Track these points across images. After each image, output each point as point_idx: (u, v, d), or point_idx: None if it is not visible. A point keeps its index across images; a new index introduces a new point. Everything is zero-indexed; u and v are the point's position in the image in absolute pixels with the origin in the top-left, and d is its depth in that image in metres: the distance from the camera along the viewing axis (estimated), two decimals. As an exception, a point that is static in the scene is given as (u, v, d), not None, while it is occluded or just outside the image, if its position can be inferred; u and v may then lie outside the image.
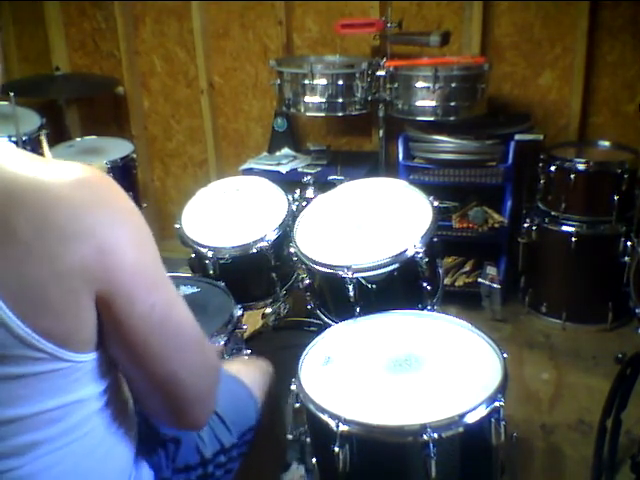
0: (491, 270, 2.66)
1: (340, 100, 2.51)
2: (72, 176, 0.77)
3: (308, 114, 2.62)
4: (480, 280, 2.64)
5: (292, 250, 1.65)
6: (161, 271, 0.86)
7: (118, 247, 0.78)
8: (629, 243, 2.11)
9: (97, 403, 0.86)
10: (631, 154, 2.53)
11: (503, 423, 1.12)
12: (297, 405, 1.21)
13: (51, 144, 2.82)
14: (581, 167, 2.47)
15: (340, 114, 2.57)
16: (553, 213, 2.57)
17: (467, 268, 2.80)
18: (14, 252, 0.72)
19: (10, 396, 0.77)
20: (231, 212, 1.91)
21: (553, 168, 2.52)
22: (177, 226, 1.86)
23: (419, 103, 2.46)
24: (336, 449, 1.10)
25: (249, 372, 1.30)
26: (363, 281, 1.50)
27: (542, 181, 2.60)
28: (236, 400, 1.22)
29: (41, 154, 2.68)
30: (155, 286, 0.84)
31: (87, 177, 0.78)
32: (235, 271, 1.77)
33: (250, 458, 1.21)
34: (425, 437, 1.06)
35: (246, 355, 1.60)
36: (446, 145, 2.59)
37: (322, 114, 2.59)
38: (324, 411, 1.14)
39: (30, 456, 0.80)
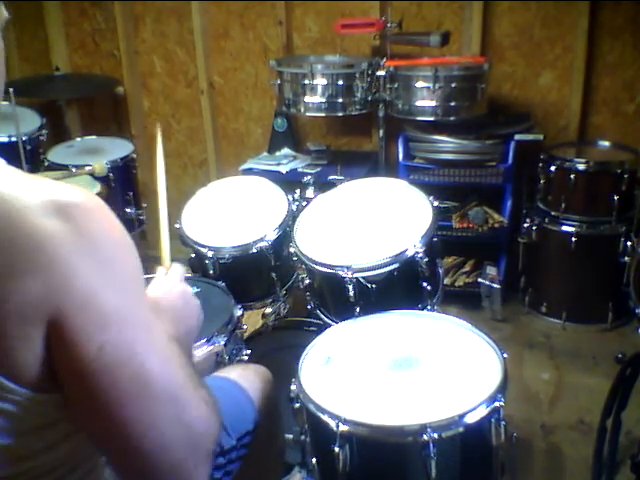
0: (491, 270, 2.66)
1: (340, 100, 2.51)
2: (42, 202, 0.68)
3: (308, 114, 2.62)
4: (480, 280, 2.64)
5: (292, 250, 1.65)
6: (125, 307, 0.72)
7: (69, 282, 0.68)
8: (629, 243, 2.12)
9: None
10: (631, 154, 2.53)
11: (503, 423, 1.12)
12: (297, 405, 1.21)
13: (51, 144, 2.84)
14: (581, 167, 2.47)
15: (340, 114, 2.57)
16: (553, 213, 2.57)
17: (467, 268, 2.80)
18: None
19: None
20: (231, 212, 1.91)
21: (553, 168, 2.52)
22: (177, 226, 1.86)
23: (419, 103, 2.46)
24: (336, 449, 1.10)
25: (248, 377, 1.30)
26: (363, 281, 1.50)
27: (542, 181, 2.60)
28: (235, 403, 1.22)
29: (40, 153, 2.69)
30: (107, 325, 0.70)
31: (59, 202, 0.69)
32: (235, 271, 1.77)
33: (249, 461, 1.21)
34: (425, 437, 1.06)
35: (246, 355, 1.60)
36: (446, 145, 2.59)
37: (322, 114, 2.60)
38: (324, 411, 1.14)
39: None
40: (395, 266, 1.50)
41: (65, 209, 0.69)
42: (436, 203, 1.64)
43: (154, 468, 0.74)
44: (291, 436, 1.38)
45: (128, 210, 2.75)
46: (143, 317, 0.75)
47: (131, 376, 0.72)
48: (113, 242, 0.73)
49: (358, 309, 1.52)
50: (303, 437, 1.25)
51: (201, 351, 1.46)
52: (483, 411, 1.10)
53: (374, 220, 1.66)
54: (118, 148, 2.81)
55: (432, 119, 2.49)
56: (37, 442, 0.73)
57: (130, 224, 2.74)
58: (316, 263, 1.56)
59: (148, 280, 0.88)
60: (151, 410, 0.73)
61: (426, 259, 1.50)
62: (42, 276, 0.67)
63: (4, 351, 0.68)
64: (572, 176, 2.46)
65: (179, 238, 1.85)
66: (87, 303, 0.69)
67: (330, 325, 1.54)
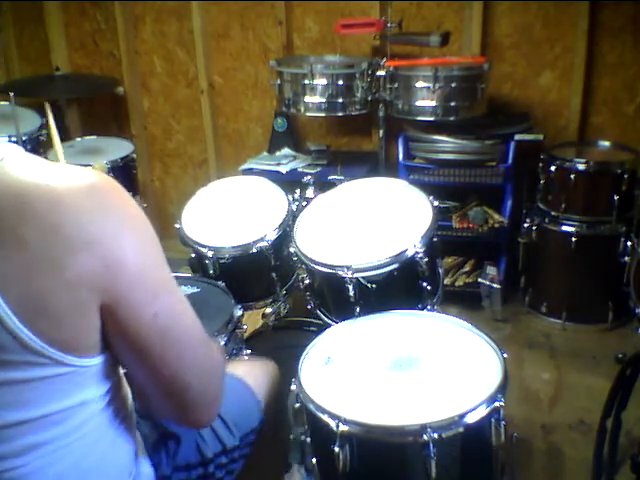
0: (491, 270, 2.66)
1: (340, 100, 2.51)
2: (80, 184, 0.77)
3: (308, 114, 2.62)
4: (480, 280, 2.64)
5: (292, 250, 1.65)
6: (165, 276, 0.86)
7: (124, 257, 0.79)
8: (629, 243, 2.12)
9: (99, 404, 0.86)
10: (631, 154, 2.53)
11: (503, 423, 1.12)
12: (297, 405, 1.21)
13: (51, 144, 2.83)
14: (581, 167, 2.47)
15: (340, 114, 2.57)
16: (553, 213, 2.57)
17: (467, 268, 2.80)
18: (22, 259, 0.72)
19: (14, 400, 0.77)
20: (231, 212, 1.91)
21: (553, 168, 2.52)
22: (177, 226, 1.86)
23: (419, 103, 2.46)
24: (336, 449, 1.10)
25: (254, 374, 1.30)
26: (363, 281, 1.50)
27: (542, 181, 2.60)
28: (239, 402, 1.22)
29: (40, 153, 2.69)
30: (158, 294, 0.84)
31: (96, 184, 0.78)
32: (235, 271, 1.77)
33: (252, 459, 1.21)
34: (425, 437, 1.06)
35: (246, 355, 1.60)
36: (446, 145, 2.59)
37: (322, 114, 2.60)
38: (324, 411, 1.14)
39: (31, 456, 0.81)
40: (395, 266, 1.49)
41: (99, 191, 0.78)
42: (436, 203, 1.64)
43: (196, 398, 0.91)
44: (291, 436, 1.38)
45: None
46: (173, 281, 0.88)
47: (179, 334, 0.87)
48: (141, 217, 0.83)
49: (358, 309, 1.52)
50: (303, 437, 1.25)
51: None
52: (483, 411, 1.10)
53: (374, 220, 1.66)
54: (118, 148, 2.82)
55: (432, 119, 2.49)
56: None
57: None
58: (316, 263, 1.56)
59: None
60: (194, 357, 0.89)
61: (426, 259, 1.50)
62: (97, 252, 0.76)
63: (58, 320, 0.75)
64: (572, 176, 2.46)
65: (179, 238, 1.85)
66: (140, 276, 0.81)
67: (330, 325, 1.54)
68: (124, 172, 2.72)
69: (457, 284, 2.72)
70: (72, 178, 0.77)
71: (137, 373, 0.90)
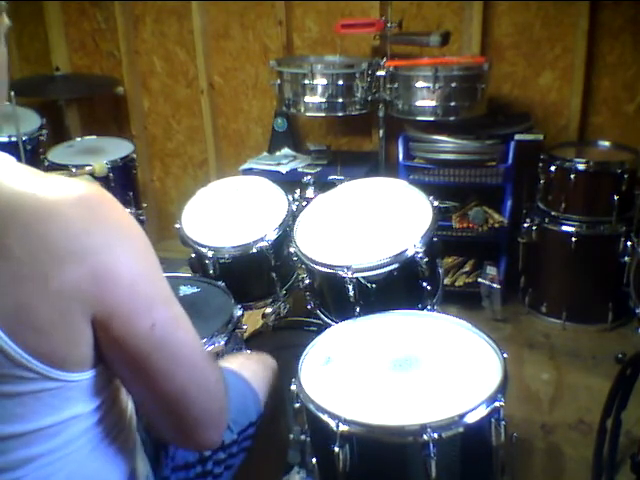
0: (491, 270, 2.66)
1: (340, 100, 2.52)
2: (70, 194, 0.75)
3: (308, 114, 2.62)
4: (480, 280, 2.64)
5: (292, 250, 1.65)
6: (161, 288, 0.84)
7: (114, 269, 0.76)
8: (629, 243, 2.12)
9: (93, 417, 0.84)
10: (631, 154, 2.53)
11: (503, 423, 1.12)
12: (297, 405, 1.21)
13: (51, 144, 2.84)
14: (581, 167, 2.47)
15: (340, 114, 2.57)
16: (553, 213, 2.57)
17: (467, 268, 2.80)
18: (7, 271, 0.71)
19: (6, 414, 0.76)
20: (231, 212, 1.91)
21: (553, 168, 2.52)
22: (177, 226, 1.86)
23: (419, 103, 2.46)
24: (336, 449, 1.10)
25: (251, 367, 1.29)
26: (363, 281, 1.50)
27: (542, 181, 2.60)
28: (236, 396, 1.20)
29: (40, 153, 2.69)
30: (153, 306, 0.81)
31: (86, 194, 0.76)
32: (235, 271, 1.77)
33: (251, 453, 1.21)
34: (425, 437, 1.06)
35: (248, 350, 1.60)
36: (446, 145, 2.59)
37: (322, 114, 2.60)
38: (324, 411, 1.14)
39: (28, 468, 0.80)
40: (395, 266, 1.49)
41: (89, 201, 0.76)
42: (436, 203, 1.64)
43: (198, 416, 0.88)
44: (291, 436, 1.38)
45: (128, 210, 2.74)
46: (170, 293, 0.85)
47: (178, 346, 0.84)
48: (134, 227, 0.82)
49: (358, 309, 1.52)
50: (303, 437, 1.25)
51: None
52: (483, 411, 1.10)
53: (374, 220, 1.66)
54: (118, 148, 2.82)
55: (432, 119, 2.49)
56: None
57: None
58: (316, 263, 1.56)
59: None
60: (194, 371, 0.86)
61: (426, 259, 1.50)
62: (86, 263, 0.74)
63: (45, 333, 0.73)
64: (572, 176, 2.46)
65: (179, 238, 1.85)
66: (134, 287, 0.78)
67: (330, 325, 1.54)
68: (124, 172, 2.72)
69: (457, 284, 2.72)
70: (62, 189, 0.75)
71: (135, 390, 0.87)
